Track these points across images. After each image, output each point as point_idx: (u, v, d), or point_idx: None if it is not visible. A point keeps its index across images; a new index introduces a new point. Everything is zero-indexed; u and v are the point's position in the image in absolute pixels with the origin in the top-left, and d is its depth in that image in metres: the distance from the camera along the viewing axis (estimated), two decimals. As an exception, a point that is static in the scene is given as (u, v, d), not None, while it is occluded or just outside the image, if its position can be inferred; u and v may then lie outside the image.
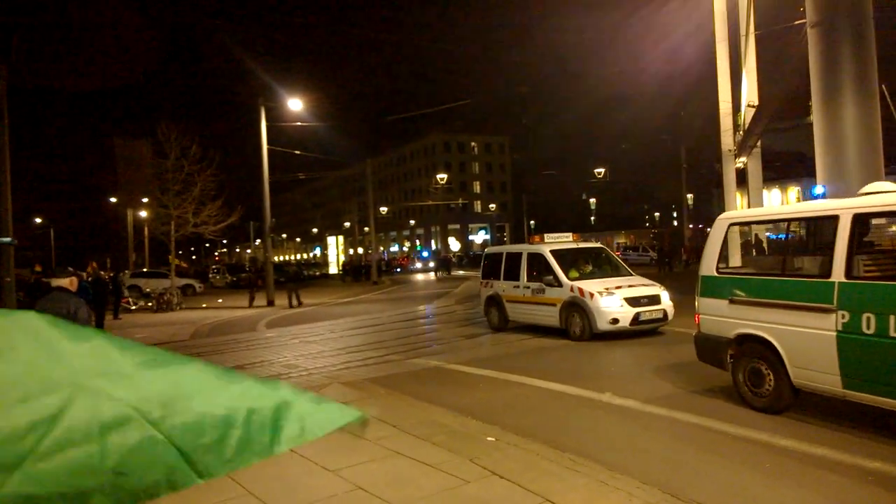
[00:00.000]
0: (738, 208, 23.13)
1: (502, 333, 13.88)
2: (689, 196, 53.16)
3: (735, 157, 21.38)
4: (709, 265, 7.32)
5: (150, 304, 26.65)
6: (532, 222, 78.56)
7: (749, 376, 6.64)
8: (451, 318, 18.32)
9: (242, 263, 78.63)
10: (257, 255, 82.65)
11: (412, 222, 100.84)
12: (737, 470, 5.31)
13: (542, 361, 10.63)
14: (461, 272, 51.80)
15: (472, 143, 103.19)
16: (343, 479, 5.18)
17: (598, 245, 15.58)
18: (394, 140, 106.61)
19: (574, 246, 14.03)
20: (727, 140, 21.14)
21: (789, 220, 6.92)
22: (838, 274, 5.69)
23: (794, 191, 75.87)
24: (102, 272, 23.57)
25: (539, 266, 13.22)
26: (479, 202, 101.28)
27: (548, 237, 14.13)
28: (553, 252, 13.12)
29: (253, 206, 39.26)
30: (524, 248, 14.11)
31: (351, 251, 75.18)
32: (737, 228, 8.01)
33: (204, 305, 27.66)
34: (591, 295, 11.76)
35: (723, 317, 6.98)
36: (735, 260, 17.78)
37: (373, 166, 50.79)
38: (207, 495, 5.00)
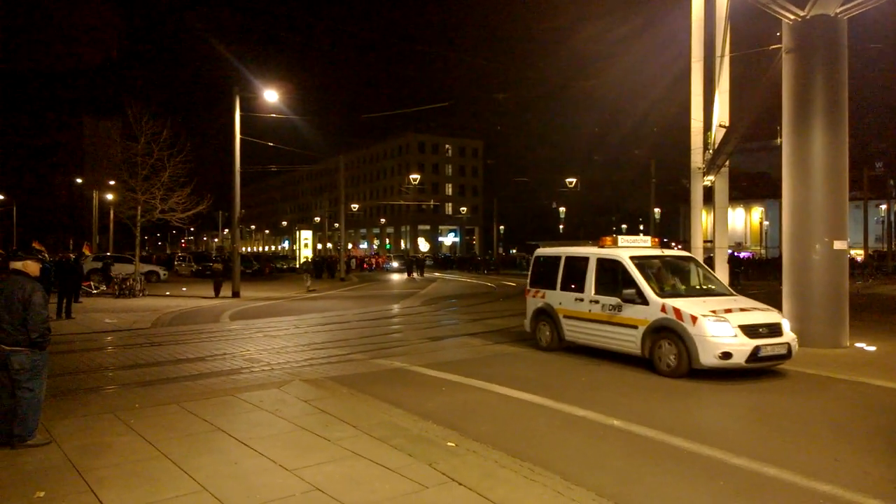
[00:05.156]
0: (703, 226, 23.52)
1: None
2: (657, 210, 53.92)
3: (703, 175, 21.72)
4: None
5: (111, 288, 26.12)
6: (502, 227, 78.85)
7: None
8: (417, 320, 18.31)
9: (209, 252, 77.55)
10: (225, 245, 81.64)
11: (383, 221, 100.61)
12: None
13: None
14: (437, 274, 52.04)
15: (447, 146, 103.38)
16: (301, 479, 5.15)
17: (688, 254, 12.61)
18: (368, 137, 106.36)
19: (659, 253, 11.37)
20: (697, 158, 21.48)
21: None
22: None
23: (757, 210, 77.58)
24: (72, 254, 23.02)
25: (613, 276, 10.79)
26: (450, 205, 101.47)
27: (622, 240, 11.51)
28: (634, 259, 10.66)
29: (223, 195, 38.85)
30: (593, 252, 11.40)
31: (319, 246, 74.60)
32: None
33: (167, 293, 27.20)
34: (693, 319, 9.28)
35: None
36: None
37: (345, 162, 50.56)
38: (162, 490, 4.94)
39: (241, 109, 26.43)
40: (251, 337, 14.26)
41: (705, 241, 23.62)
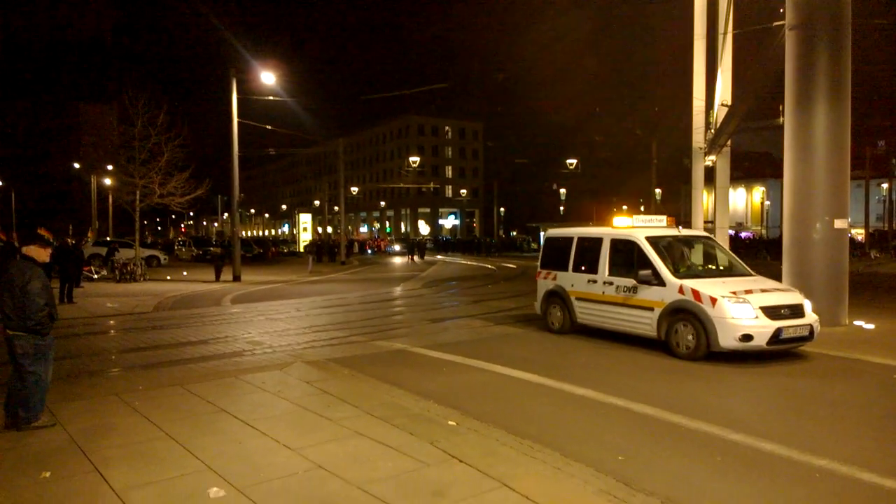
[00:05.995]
0: (704, 206, 23.50)
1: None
2: (658, 191, 53.79)
3: (705, 155, 21.68)
4: None
5: (112, 273, 26.18)
6: (502, 210, 78.81)
7: None
8: (417, 303, 18.36)
9: (209, 236, 77.65)
10: (225, 229, 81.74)
11: (383, 204, 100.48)
12: (689, 461, 5.43)
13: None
14: (440, 256, 52.18)
15: (446, 128, 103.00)
16: (304, 457, 5.21)
17: (704, 233, 12.26)
18: (367, 120, 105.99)
19: (675, 233, 11.03)
20: (698, 138, 21.42)
21: None
22: None
23: (758, 190, 77.40)
24: (71, 239, 23.10)
25: (628, 257, 10.53)
26: (450, 187, 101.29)
27: (637, 219, 11.22)
28: (650, 239, 10.37)
29: (221, 179, 38.79)
30: (606, 233, 11.14)
31: (320, 229, 74.67)
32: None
33: (168, 278, 27.25)
34: (713, 300, 9.04)
35: None
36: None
37: (345, 146, 50.36)
38: (167, 469, 4.99)
39: (239, 92, 26.28)
40: (253, 320, 14.31)
41: (706, 222, 23.62)
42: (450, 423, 6.17)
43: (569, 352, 10.35)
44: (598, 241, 11.20)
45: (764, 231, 67.31)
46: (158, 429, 6.00)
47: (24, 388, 6.01)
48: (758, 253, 40.61)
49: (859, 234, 50.68)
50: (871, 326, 12.22)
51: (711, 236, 12.08)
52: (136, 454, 5.35)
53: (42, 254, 6.31)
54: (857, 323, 12.46)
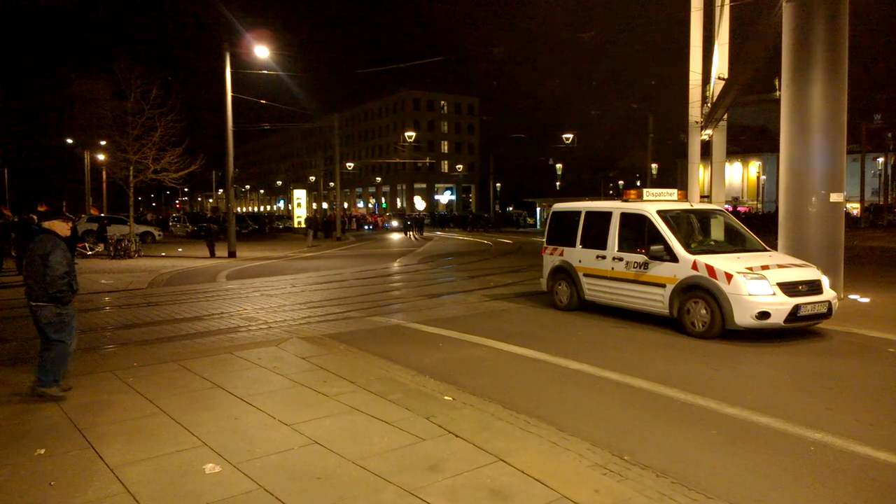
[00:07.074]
0: (700, 181, 23.45)
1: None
2: (654, 165, 53.68)
3: (701, 130, 21.60)
4: None
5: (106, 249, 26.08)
6: (498, 185, 78.62)
7: None
8: (414, 278, 18.36)
9: (204, 212, 77.40)
10: (220, 205, 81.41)
11: (378, 179, 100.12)
12: (684, 435, 5.44)
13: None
14: (439, 233, 52.16)
15: (442, 102, 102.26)
16: (299, 433, 5.21)
17: (717, 207, 12.12)
18: (362, 95, 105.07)
19: (687, 207, 10.88)
20: (695, 112, 21.31)
21: None
22: None
23: (755, 165, 77.23)
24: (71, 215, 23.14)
25: (638, 232, 10.30)
26: (446, 162, 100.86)
27: (647, 193, 10.92)
28: (662, 213, 10.13)
29: (216, 155, 38.54)
30: (616, 207, 10.90)
31: (315, 205, 74.48)
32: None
33: (163, 254, 27.18)
34: (728, 276, 8.77)
35: None
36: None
37: (340, 121, 49.99)
38: (163, 445, 4.99)
39: (233, 66, 25.96)
40: (248, 296, 14.29)
41: (702, 196, 23.58)
42: (446, 398, 6.18)
43: (570, 328, 10.34)
44: (606, 216, 10.94)
45: (760, 206, 67.33)
46: (154, 405, 6.00)
47: (50, 354, 6.25)
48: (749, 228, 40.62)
49: (855, 208, 50.75)
50: (866, 300, 12.26)
51: (724, 210, 11.82)
52: (132, 430, 5.34)
53: (64, 228, 6.54)
54: (852, 297, 12.50)
